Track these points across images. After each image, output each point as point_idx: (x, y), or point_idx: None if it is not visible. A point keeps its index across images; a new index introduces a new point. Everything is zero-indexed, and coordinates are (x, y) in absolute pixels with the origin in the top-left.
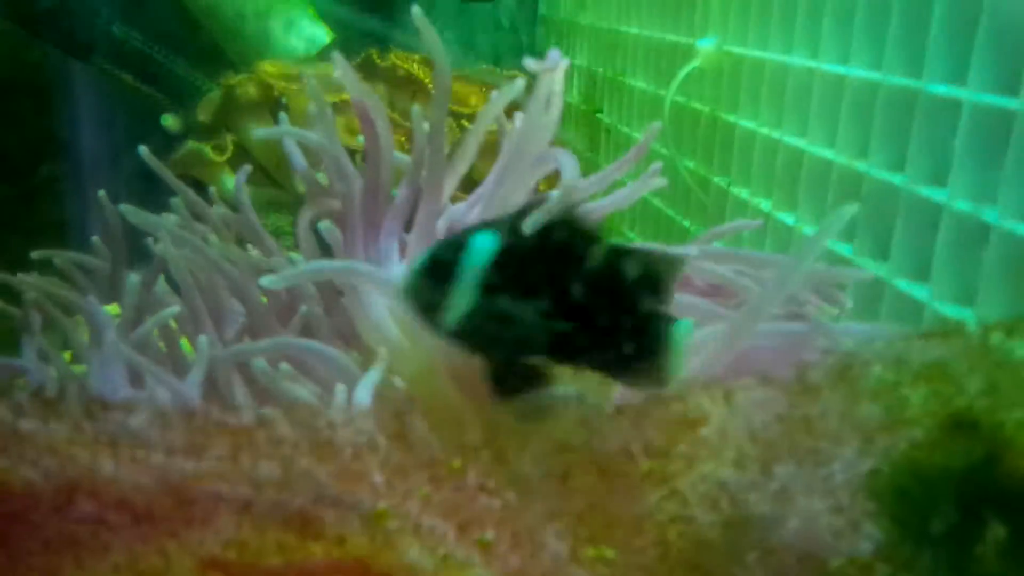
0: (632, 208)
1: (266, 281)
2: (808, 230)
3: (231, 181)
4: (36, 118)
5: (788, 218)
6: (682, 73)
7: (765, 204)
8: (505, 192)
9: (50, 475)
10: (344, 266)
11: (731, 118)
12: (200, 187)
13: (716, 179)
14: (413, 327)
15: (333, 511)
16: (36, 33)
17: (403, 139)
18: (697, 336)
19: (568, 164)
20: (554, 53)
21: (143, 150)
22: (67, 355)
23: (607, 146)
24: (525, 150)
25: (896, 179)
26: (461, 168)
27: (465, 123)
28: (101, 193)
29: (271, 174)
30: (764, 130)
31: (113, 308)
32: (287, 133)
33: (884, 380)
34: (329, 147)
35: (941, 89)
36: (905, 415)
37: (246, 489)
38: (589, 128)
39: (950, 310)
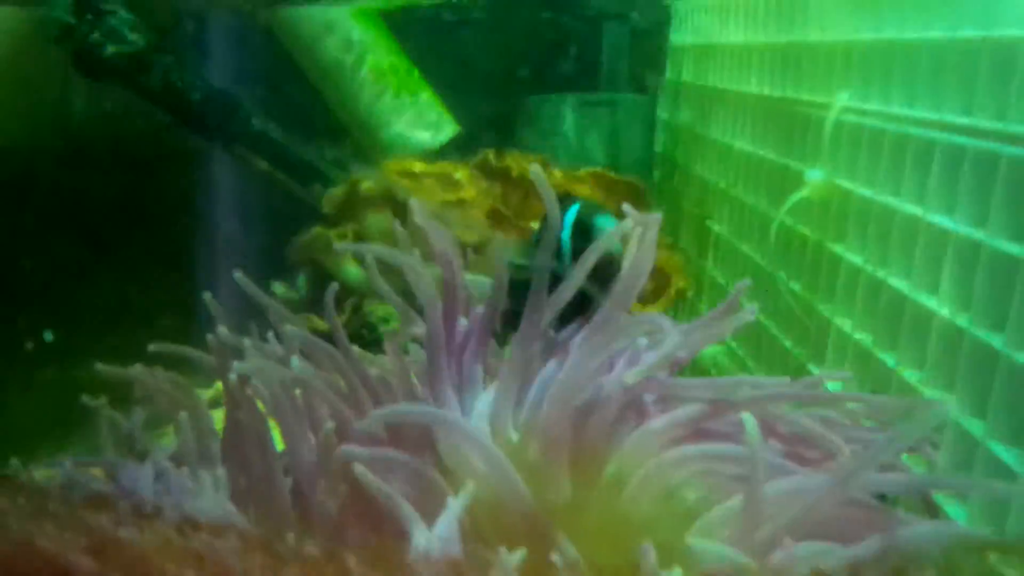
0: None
1: (360, 425)
2: (909, 375)
3: (351, 267)
4: (182, 198)
5: (889, 359)
6: (791, 200)
7: (866, 339)
8: (600, 341)
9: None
10: (431, 414)
11: (838, 249)
12: (320, 272)
13: (820, 306)
14: (500, 462)
15: None
16: (185, 122)
17: (515, 236)
18: (776, 493)
19: (668, 326)
20: (655, 216)
21: (238, 276)
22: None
23: (715, 253)
24: (621, 306)
25: (995, 340)
26: (560, 302)
27: None
28: (238, 275)
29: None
30: (869, 267)
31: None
32: (369, 251)
33: None
34: (412, 270)
35: None
36: None
37: None
38: (698, 234)
39: None
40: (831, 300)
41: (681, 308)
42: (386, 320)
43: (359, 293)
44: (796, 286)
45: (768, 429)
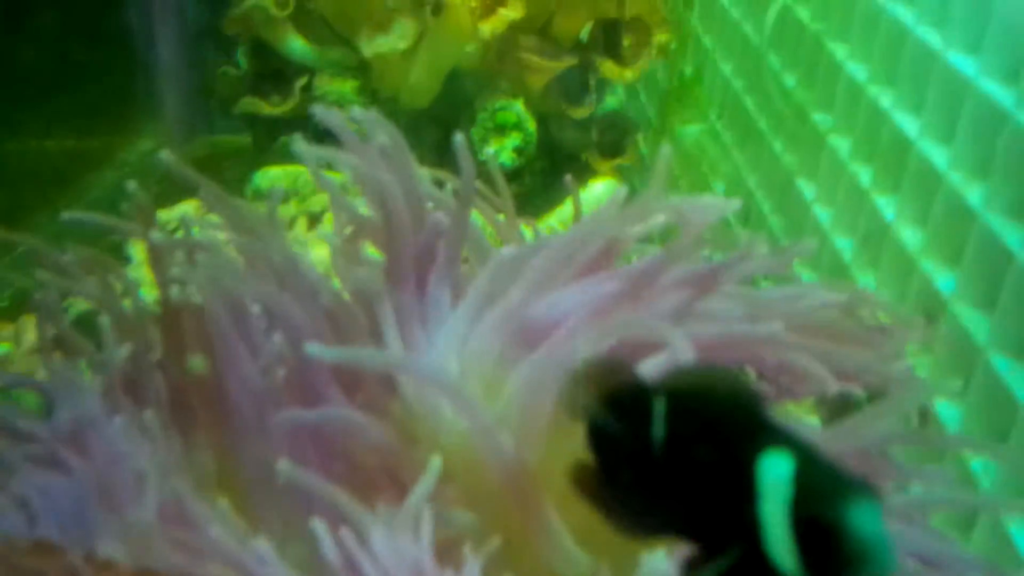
0: (725, 108)
1: (312, 349)
2: (909, 233)
3: (295, 40)
4: None
5: (888, 205)
6: None
7: (864, 175)
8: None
9: None
10: (396, 361)
11: (838, 53)
12: (263, 48)
13: (815, 114)
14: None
15: None
16: None
17: None
18: None
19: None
20: None
21: (165, 154)
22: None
23: (701, 5)
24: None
25: (1011, 239)
26: None
27: None
28: None
29: (336, 29)
30: (873, 90)
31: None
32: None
33: None
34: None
35: None
36: None
37: None
38: None
39: None
40: (827, 110)
41: (661, 66)
42: (341, 104)
43: (308, 70)
44: (790, 80)
45: (756, 361)
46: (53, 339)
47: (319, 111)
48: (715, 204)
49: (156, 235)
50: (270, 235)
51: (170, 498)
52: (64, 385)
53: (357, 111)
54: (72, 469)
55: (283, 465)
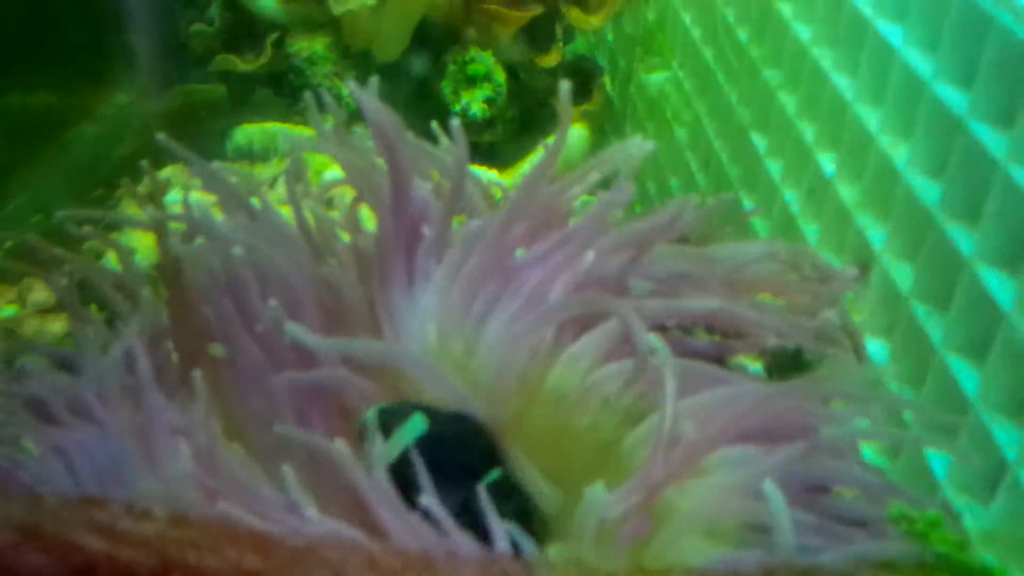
0: (686, 57)
1: (293, 329)
2: (845, 192)
3: None
4: None
5: (827, 162)
6: None
7: (807, 132)
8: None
9: (150, 553)
10: (377, 351)
11: (785, 10)
12: (234, 5)
13: (765, 71)
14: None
15: None
16: None
17: None
18: (709, 402)
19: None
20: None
21: (161, 137)
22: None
23: None
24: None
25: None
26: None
27: None
28: None
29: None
30: (815, 50)
31: None
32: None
33: None
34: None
35: None
36: None
37: None
38: None
39: None
40: (776, 66)
41: (627, 17)
42: (313, 61)
43: (280, 27)
44: (743, 35)
45: (706, 319)
46: (60, 304)
47: (352, 87)
48: (635, 149)
49: (156, 214)
50: (263, 207)
51: (204, 450)
52: (87, 346)
53: (352, 85)
54: (104, 423)
55: (282, 428)
